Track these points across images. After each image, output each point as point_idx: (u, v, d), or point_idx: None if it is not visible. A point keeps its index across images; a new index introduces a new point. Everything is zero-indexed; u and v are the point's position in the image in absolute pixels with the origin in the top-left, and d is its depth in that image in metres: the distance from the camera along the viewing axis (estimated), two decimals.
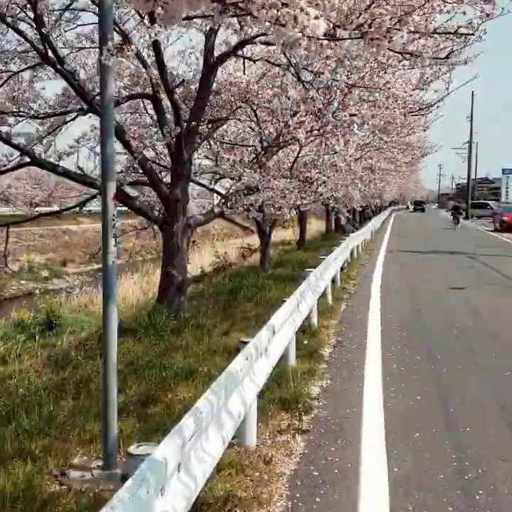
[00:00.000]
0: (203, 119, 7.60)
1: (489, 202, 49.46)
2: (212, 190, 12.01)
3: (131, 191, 9.51)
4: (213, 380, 5.40)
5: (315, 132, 8.63)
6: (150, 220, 7.54)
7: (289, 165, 10.60)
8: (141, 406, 4.66)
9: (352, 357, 6.31)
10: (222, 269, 17.32)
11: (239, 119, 9.41)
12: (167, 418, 4.28)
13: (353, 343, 6.97)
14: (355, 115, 7.99)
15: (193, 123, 7.19)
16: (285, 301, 5.64)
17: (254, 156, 8.70)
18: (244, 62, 8.92)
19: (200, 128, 8.04)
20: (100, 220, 3.69)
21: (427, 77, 9.45)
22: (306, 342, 6.47)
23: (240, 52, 8.06)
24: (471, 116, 50.29)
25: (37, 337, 7.87)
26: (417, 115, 11.07)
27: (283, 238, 26.64)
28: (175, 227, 7.46)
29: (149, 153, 9.83)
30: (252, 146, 9.47)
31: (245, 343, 3.81)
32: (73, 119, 8.46)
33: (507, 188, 44.49)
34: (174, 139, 7.33)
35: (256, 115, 9.23)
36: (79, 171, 7.47)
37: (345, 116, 7.73)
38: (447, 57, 7.21)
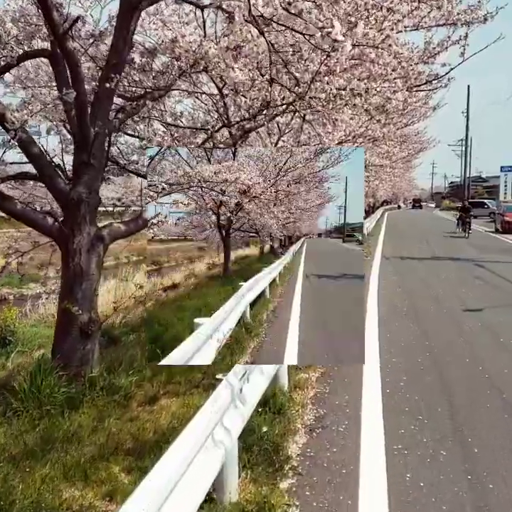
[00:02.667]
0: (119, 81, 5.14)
1: (486, 201, 47.16)
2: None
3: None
4: None
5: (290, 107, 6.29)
6: (39, 231, 5.07)
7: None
8: None
9: (338, 458, 3.85)
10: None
11: (187, 91, 6.97)
12: None
13: (339, 420, 4.52)
14: (344, 89, 5.79)
15: (100, 84, 4.74)
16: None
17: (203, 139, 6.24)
18: (204, 23, 6.70)
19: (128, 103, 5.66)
20: None
21: (434, 47, 7.39)
22: (265, 429, 4.02)
23: None
24: (468, 112, 48.13)
25: None
26: (423, 90, 8.70)
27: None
28: (76, 242, 5.00)
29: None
30: (207, 128, 7.03)
31: None
32: None
33: (505, 186, 42.17)
34: (74, 110, 4.89)
35: (221, 91, 6.82)
36: None
37: (331, 89, 5.52)
38: None
